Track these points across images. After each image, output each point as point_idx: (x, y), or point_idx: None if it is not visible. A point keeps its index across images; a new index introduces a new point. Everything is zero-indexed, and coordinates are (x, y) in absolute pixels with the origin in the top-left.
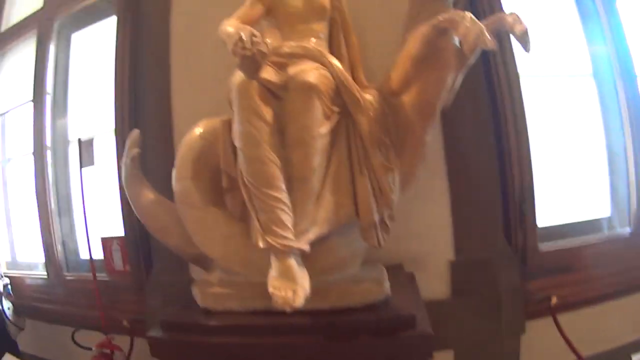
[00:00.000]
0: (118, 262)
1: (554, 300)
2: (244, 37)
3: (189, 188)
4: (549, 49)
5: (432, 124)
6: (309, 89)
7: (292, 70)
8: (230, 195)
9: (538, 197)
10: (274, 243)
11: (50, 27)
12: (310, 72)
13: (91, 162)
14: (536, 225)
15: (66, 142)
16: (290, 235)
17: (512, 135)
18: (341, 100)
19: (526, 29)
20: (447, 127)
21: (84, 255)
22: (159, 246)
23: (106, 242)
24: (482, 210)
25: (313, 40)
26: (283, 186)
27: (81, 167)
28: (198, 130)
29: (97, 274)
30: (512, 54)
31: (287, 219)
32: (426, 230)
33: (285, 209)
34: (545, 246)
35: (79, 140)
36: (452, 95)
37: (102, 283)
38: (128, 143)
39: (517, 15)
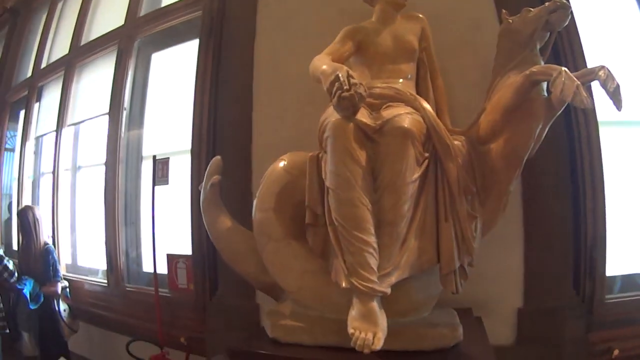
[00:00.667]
0: (182, 279)
1: (616, 352)
2: (341, 77)
3: (270, 219)
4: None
5: (517, 174)
6: (405, 135)
7: (387, 113)
8: (312, 231)
9: (610, 246)
10: (358, 285)
11: (130, 45)
12: (406, 117)
13: (165, 182)
14: (605, 276)
15: (139, 157)
16: (375, 279)
17: (589, 185)
18: (431, 145)
19: (618, 86)
20: (526, 175)
21: (146, 268)
22: (226, 270)
23: (172, 259)
24: (554, 259)
25: (401, 80)
26: (372, 230)
27: (154, 184)
28: (283, 163)
29: (160, 290)
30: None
31: (374, 262)
32: (497, 276)
33: (373, 252)
34: (612, 297)
35: (154, 158)
36: (537, 145)
37: (163, 298)
38: (209, 169)
39: (608, 70)
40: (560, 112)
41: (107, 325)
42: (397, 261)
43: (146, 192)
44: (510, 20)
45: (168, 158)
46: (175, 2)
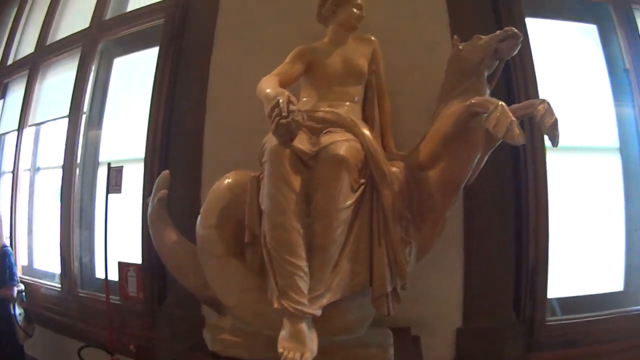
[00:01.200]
0: (132, 288)
1: None
2: (281, 103)
3: (212, 236)
4: (579, 122)
5: (454, 201)
6: (340, 162)
7: (325, 140)
8: (251, 249)
9: (552, 269)
10: (288, 307)
11: (94, 48)
12: (342, 145)
13: (118, 190)
14: (546, 299)
15: (96, 163)
16: (304, 301)
17: (532, 209)
18: (368, 171)
19: (556, 121)
20: (467, 197)
21: (99, 274)
22: (174, 280)
23: (123, 267)
24: (494, 280)
25: (347, 103)
26: (303, 254)
27: (108, 192)
28: (228, 181)
29: (110, 296)
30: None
31: (304, 285)
32: (436, 296)
33: (303, 276)
34: (553, 319)
35: (109, 166)
36: (476, 173)
37: (114, 305)
38: (157, 183)
39: (548, 105)
40: (500, 142)
41: (60, 329)
42: (328, 283)
43: (100, 198)
44: (461, 47)
45: (122, 167)
46: (140, 8)
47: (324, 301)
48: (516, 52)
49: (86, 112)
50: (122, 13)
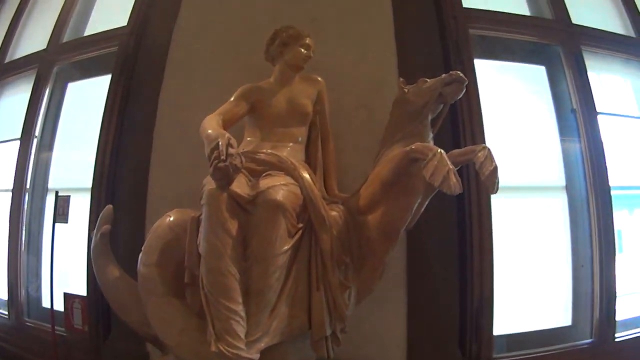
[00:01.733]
0: (77, 320)
1: None
2: (220, 146)
3: (153, 275)
4: (526, 162)
5: (393, 246)
6: (276, 208)
7: (263, 184)
8: (191, 290)
9: (500, 307)
10: (225, 351)
11: (49, 70)
12: (280, 190)
13: (65, 220)
14: (492, 336)
15: (45, 189)
16: (241, 345)
17: (476, 251)
18: (307, 215)
19: (495, 169)
20: (411, 240)
21: (45, 303)
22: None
23: (68, 298)
24: (439, 320)
25: (291, 144)
26: (240, 298)
27: (55, 221)
28: (169, 219)
29: (56, 328)
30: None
31: (240, 330)
32: (381, 337)
33: (240, 320)
34: (500, 356)
35: (57, 194)
36: (416, 217)
37: (59, 337)
38: (101, 217)
39: (488, 152)
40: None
41: (7, 358)
42: (266, 328)
43: (48, 226)
44: (406, 89)
45: (69, 196)
46: (97, 34)
47: (262, 345)
48: (460, 96)
49: (37, 136)
50: (79, 37)
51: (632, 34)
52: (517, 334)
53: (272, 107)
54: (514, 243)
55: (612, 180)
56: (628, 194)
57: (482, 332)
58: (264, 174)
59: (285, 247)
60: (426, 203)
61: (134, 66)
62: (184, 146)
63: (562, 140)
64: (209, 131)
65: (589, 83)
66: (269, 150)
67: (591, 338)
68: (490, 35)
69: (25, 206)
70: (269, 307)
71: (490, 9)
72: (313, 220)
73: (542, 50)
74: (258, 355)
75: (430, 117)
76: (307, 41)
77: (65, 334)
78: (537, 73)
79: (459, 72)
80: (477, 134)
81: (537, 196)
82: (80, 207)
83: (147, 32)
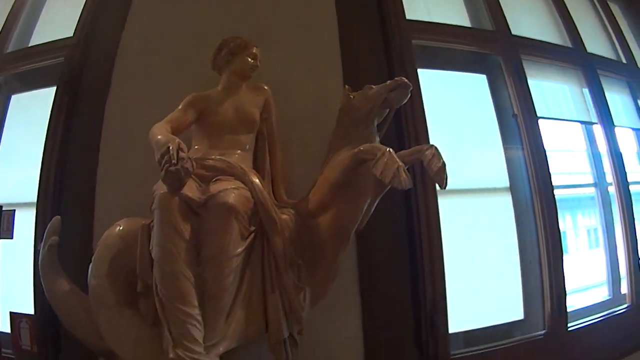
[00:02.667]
0: (25, 341)
1: None
2: (171, 150)
3: (103, 286)
4: (470, 165)
5: (345, 247)
6: (228, 210)
7: (214, 188)
8: (144, 299)
9: (453, 305)
10: (183, 356)
11: None
12: (231, 193)
13: (9, 236)
14: (447, 334)
15: None
16: (199, 349)
17: (426, 251)
18: (258, 219)
19: (443, 165)
20: (360, 244)
21: None
22: (69, 332)
23: (15, 318)
24: (393, 321)
25: (238, 151)
26: (195, 302)
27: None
28: (118, 229)
29: (3, 349)
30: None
31: (198, 334)
32: (337, 340)
33: (197, 324)
34: (458, 352)
35: (0, 208)
36: (367, 218)
37: (7, 359)
38: (48, 229)
39: (435, 150)
40: (388, 187)
41: None
42: (223, 332)
43: None
44: (352, 96)
45: (14, 210)
46: (42, 44)
47: (220, 349)
48: (405, 101)
49: None
50: (24, 47)
51: (568, 44)
52: (472, 330)
53: (219, 115)
54: (463, 243)
55: (555, 180)
56: (571, 196)
57: (438, 330)
58: (213, 179)
59: (239, 250)
60: (375, 204)
61: (80, 78)
62: (130, 157)
63: (505, 144)
64: (159, 137)
65: (529, 89)
66: (218, 157)
67: (544, 329)
68: (433, 45)
69: None
70: (225, 311)
71: (433, 20)
72: (264, 223)
73: (482, 60)
74: None
75: (376, 122)
76: (254, 51)
77: (13, 357)
78: (479, 81)
79: (403, 78)
80: (421, 138)
81: (482, 197)
82: (25, 222)
83: (94, 43)
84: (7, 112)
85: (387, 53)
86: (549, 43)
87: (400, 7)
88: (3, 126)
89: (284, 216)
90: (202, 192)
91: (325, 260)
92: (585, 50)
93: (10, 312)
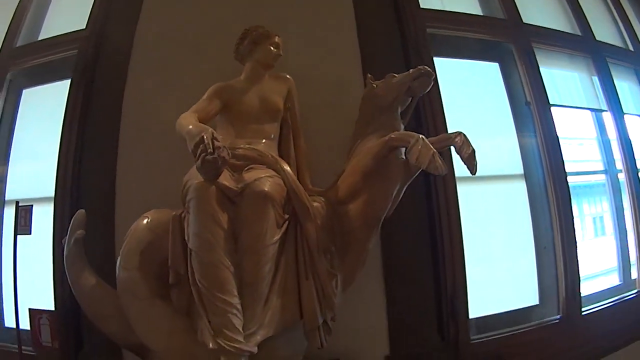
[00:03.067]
0: (46, 337)
1: None
2: (206, 140)
3: (134, 278)
4: (486, 152)
5: (375, 233)
6: (265, 198)
7: (248, 176)
8: (176, 290)
9: (471, 290)
10: (225, 345)
11: (2, 76)
12: (266, 181)
13: (27, 231)
14: (468, 319)
15: (2, 201)
16: (241, 339)
17: (446, 237)
18: (291, 207)
19: (473, 151)
20: (385, 229)
21: (9, 323)
22: (92, 327)
23: (34, 314)
24: (416, 307)
25: (264, 140)
26: (235, 291)
27: (16, 234)
28: (147, 220)
29: (23, 347)
30: (451, 160)
31: (238, 322)
32: (362, 327)
33: (237, 313)
34: (477, 337)
35: (17, 204)
36: (395, 204)
37: (27, 357)
38: (73, 223)
39: (464, 137)
40: (417, 174)
41: None
42: (261, 320)
43: (8, 240)
44: (375, 85)
45: (31, 205)
46: (53, 37)
47: (259, 338)
48: (428, 89)
49: None
50: (34, 41)
51: (577, 32)
52: (489, 316)
53: (244, 105)
54: (479, 229)
55: (568, 167)
56: (582, 184)
57: (458, 316)
58: (246, 168)
59: (275, 238)
60: (403, 191)
61: (95, 70)
62: (150, 149)
63: (518, 132)
64: (190, 127)
65: (541, 77)
66: (247, 146)
67: (559, 314)
68: (447, 34)
69: None
70: (263, 299)
71: (446, 9)
72: (297, 211)
73: (494, 48)
74: (256, 349)
75: (399, 110)
76: (276, 40)
77: (33, 354)
78: (491, 69)
79: (426, 67)
80: (439, 126)
81: (498, 184)
82: (42, 218)
83: (107, 35)
84: (18, 106)
85: (403, 41)
86: (559, 31)
87: None
88: (15, 121)
89: (315, 204)
90: (236, 180)
91: (356, 246)
92: (594, 38)
93: (30, 309)
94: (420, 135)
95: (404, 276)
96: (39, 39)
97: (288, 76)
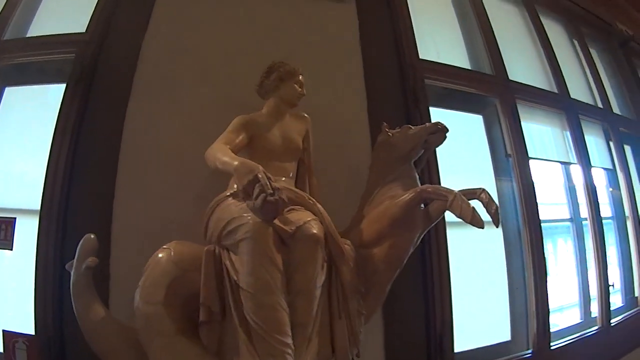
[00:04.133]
0: None
1: None
2: (262, 179)
3: (159, 314)
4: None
5: (395, 274)
6: (316, 242)
7: (295, 218)
8: (206, 328)
9: (457, 328)
10: None
11: None
12: (315, 224)
13: (9, 246)
14: (453, 353)
15: None
16: None
17: (437, 278)
18: (328, 249)
19: (497, 207)
20: None
21: None
22: (76, 355)
23: (9, 337)
24: (411, 342)
25: (284, 178)
26: (290, 331)
27: None
28: (170, 254)
29: None
30: None
31: None
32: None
33: (292, 353)
34: None
35: None
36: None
37: None
38: (82, 248)
39: (488, 194)
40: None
41: None
42: (305, 359)
43: None
44: (391, 134)
45: (14, 218)
46: (47, 36)
47: None
48: (442, 143)
49: None
50: (24, 37)
51: (554, 89)
52: (466, 351)
53: (267, 141)
54: (461, 270)
55: (542, 214)
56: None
57: (445, 353)
58: (287, 209)
59: (322, 279)
60: (422, 236)
61: (93, 79)
62: (156, 175)
63: (497, 181)
64: (235, 163)
65: (522, 131)
66: (284, 185)
67: (530, 349)
68: (441, 85)
69: None
70: (308, 339)
71: (441, 60)
72: (333, 253)
73: (480, 101)
74: None
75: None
76: (300, 78)
77: None
78: (475, 121)
79: (442, 122)
80: (433, 173)
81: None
82: (23, 231)
83: (110, 43)
84: None
85: (403, 89)
86: (540, 89)
87: (414, 47)
88: None
89: (346, 246)
90: (284, 222)
91: (378, 287)
92: (569, 95)
93: (4, 331)
94: (457, 191)
95: (400, 313)
96: (28, 35)
97: (306, 115)
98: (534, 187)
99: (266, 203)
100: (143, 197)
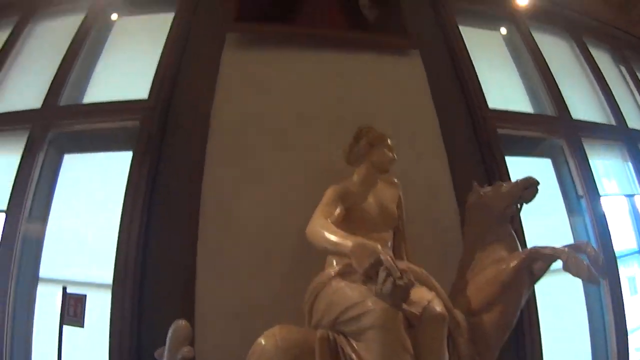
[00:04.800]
0: None
1: None
2: (385, 262)
3: None
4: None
5: (506, 338)
6: (443, 321)
7: (417, 297)
8: None
9: None
10: None
11: (43, 134)
12: (438, 302)
13: (80, 324)
14: None
15: (35, 278)
16: None
17: (527, 329)
18: None
19: (603, 260)
20: None
21: None
22: None
23: None
24: None
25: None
26: None
27: (62, 323)
28: (277, 340)
29: None
30: None
31: None
32: None
33: None
34: None
35: (64, 290)
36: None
37: None
38: (174, 335)
39: (593, 248)
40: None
41: None
42: None
43: (43, 326)
44: (482, 194)
45: (84, 296)
46: (108, 103)
47: None
48: (535, 197)
49: (27, 211)
50: (81, 103)
51: (612, 121)
52: None
53: (364, 212)
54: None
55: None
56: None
57: None
58: None
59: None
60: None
61: (162, 146)
62: (237, 245)
63: (571, 219)
64: (349, 243)
65: (591, 170)
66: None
67: None
68: (510, 133)
69: (10, 303)
70: None
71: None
72: (450, 326)
73: (547, 145)
74: None
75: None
76: (389, 142)
77: None
78: (543, 164)
79: (533, 177)
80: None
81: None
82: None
83: (177, 109)
84: (59, 172)
85: (478, 142)
86: (601, 124)
87: (482, 95)
88: (54, 189)
89: (460, 317)
90: (407, 303)
91: (490, 352)
92: (626, 125)
93: None
94: (567, 248)
95: None
96: (84, 102)
97: (397, 180)
98: (607, 225)
99: (396, 287)
100: (227, 273)
